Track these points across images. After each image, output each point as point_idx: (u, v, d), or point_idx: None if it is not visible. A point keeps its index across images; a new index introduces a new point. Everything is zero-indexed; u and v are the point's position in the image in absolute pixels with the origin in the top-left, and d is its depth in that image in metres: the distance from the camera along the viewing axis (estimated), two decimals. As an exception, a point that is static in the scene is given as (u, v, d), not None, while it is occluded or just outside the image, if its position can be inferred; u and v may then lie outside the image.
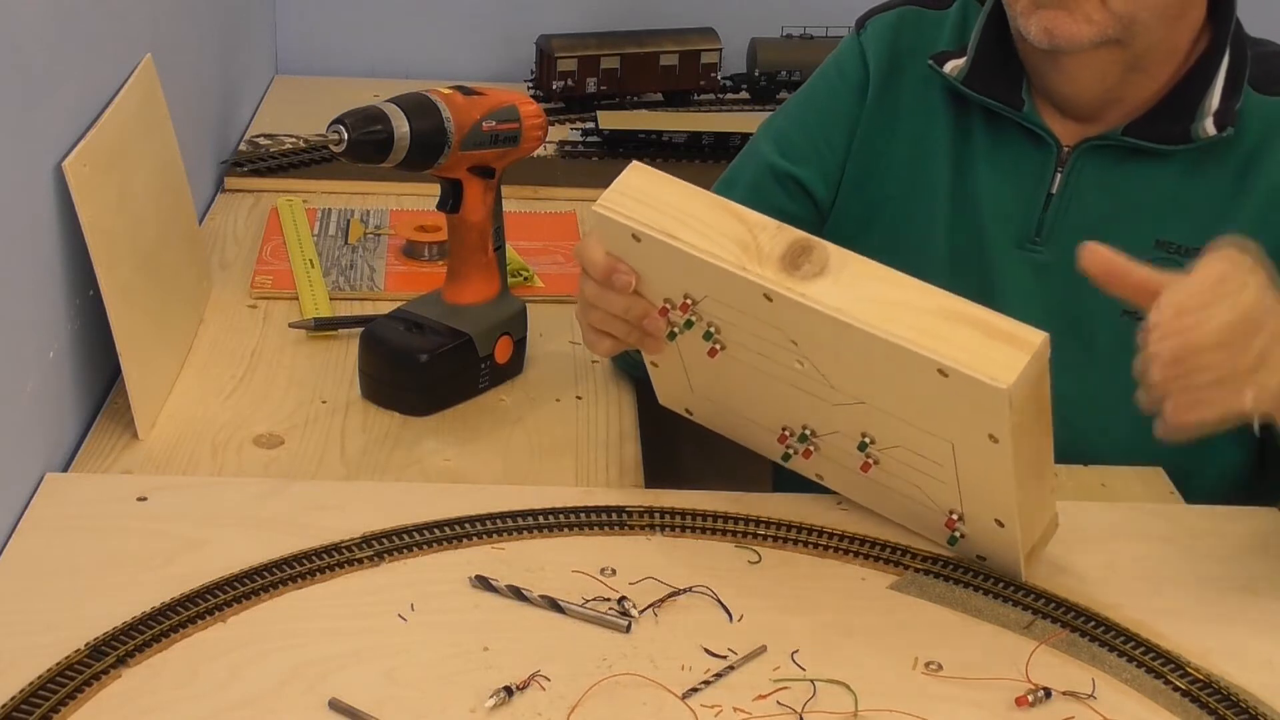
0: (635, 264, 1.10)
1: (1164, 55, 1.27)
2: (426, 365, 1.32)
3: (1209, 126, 1.25)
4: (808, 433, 1.12)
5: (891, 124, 1.37)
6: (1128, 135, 1.28)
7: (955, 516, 1.09)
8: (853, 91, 1.39)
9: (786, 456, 1.15)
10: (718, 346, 1.10)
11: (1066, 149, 1.30)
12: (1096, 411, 1.28)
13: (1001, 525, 1.07)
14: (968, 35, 1.35)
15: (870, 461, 1.09)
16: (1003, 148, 1.33)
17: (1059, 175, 1.30)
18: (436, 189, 1.35)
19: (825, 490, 1.19)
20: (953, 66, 1.33)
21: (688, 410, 1.21)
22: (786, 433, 1.14)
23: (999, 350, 0.97)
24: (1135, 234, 1.28)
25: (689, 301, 1.09)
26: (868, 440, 1.08)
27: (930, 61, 1.34)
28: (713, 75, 2.28)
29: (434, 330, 1.34)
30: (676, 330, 1.12)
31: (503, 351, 1.37)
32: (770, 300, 1.03)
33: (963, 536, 1.10)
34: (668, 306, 1.10)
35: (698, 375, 1.16)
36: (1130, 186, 1.29)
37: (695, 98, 2.30)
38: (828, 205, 1.39)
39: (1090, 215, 1.29)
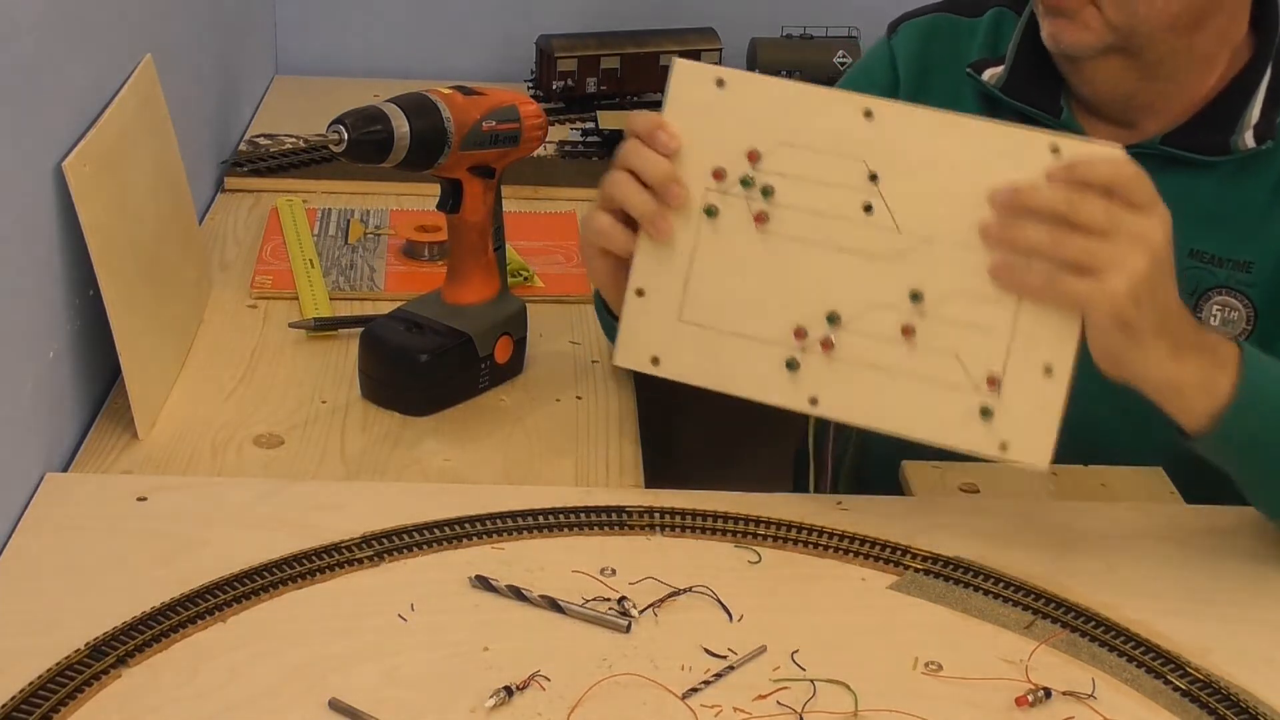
0: (705, 121, 1.11)
1: (1190, 64, 1.26)
2: (426, 365, 1.32)
3: (1249, 139, 1.25)
4: (835, 317, 1.11)
5: None
6: (1166, 145, 1.28)
7: (994, 379, 1.08)
8: (880, 94, 1.39)
9: (792, 364, 1.12)
10: (767, 213, 1.11)
11: None
12: (1117, 411, 1.28)
13: (1050, 373, 1.06)
14: (1001, 44, 1.36)
15: (912, 327, 1.09)
16: None
17: None
18: (436, 189, 1.35)
19: (825, 490, 1.19)
20: (990, 74, 1.34)
21: (654, 359, 1.16)
22: (801, 331, 1.12)
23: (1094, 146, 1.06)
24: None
25: (757, 152, 1.10)
26: (920, 294, 1.08)
27: (968, 69, 1.34)
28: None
29: (434, 330, 1.34)
30: (717, 206, 1.12)
31: (503, 351, 1.37)
32: (869, 116, 1.08)
33: (992, 415, 1.08)
34: (723, 170, 1.11)
35: (702, 280, 1.14)
36: (1167, 197, 1.28)
37: (695, 98, 2.30)
38: None
39: None
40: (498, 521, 1.14)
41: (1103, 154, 1.04)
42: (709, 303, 1.14)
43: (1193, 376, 1.05)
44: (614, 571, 1.09)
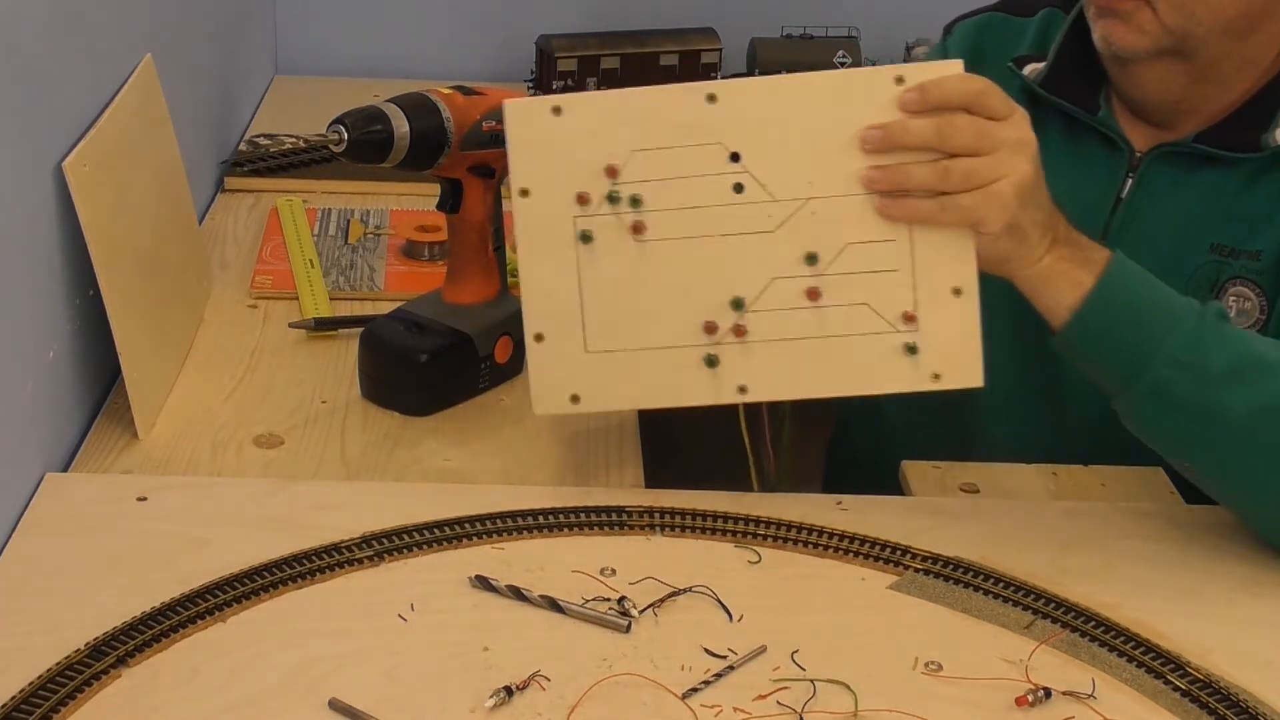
0: (553, 152, 1.10)
1: (1238, 68, 1.28)
2: (426, 365, 1.32)
3: (1278, 136, 1.26)
4: (740, 301, 1.11)
5: None
6: (1199, 143, 1.29)
7: (909, 315, 1.10)
8: None
9: (711, 360, 1.12)
10: (642, 222, 1.10)
11: (1139, 155, 1.32)
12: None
13: (959, 294, 1.09)
14: (1049, 43, 1.38)
15: (817, 289, 1.10)
16: (1077, 152, 1.35)
17: (1130, 180, 1.32)
18: (436, 189, 1.35)
19: (825, 490, 1.19)
20: (1032, 70, 1.36)
21: (574, 398, 1.15)
22: (710, 325, 1.12)
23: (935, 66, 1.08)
24: (1194, 237, 1.30)
25: (614, 166, 1.10)
26: (815, 256, 1.09)
27: (1010, 64, 1.37)
28: (713, 75, 2.28)
29: (434, 330, 1.34)
30: (589, 230, 1.11)
31: (503, 351, 1.37)
32: (713, 100, 1.08)
33: (917, 350, 1.10)
34: (586, 194, 1.10)
35: (598, 307, 1.13)
36: (1196, 192, 1.30)
37: (695, 98, 2.30)
38: None
39: (1156, 220, 1.31)
40: (498, 521, 1.14)
41: (948, 72, 1.07)
42: (611, 326, 1.13)
43: (1063, 267, 1.10)
44: (614, 571, 1.09)
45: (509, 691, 0.95)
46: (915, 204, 1.07)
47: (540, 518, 1.14)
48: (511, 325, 1.38)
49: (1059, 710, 0.97)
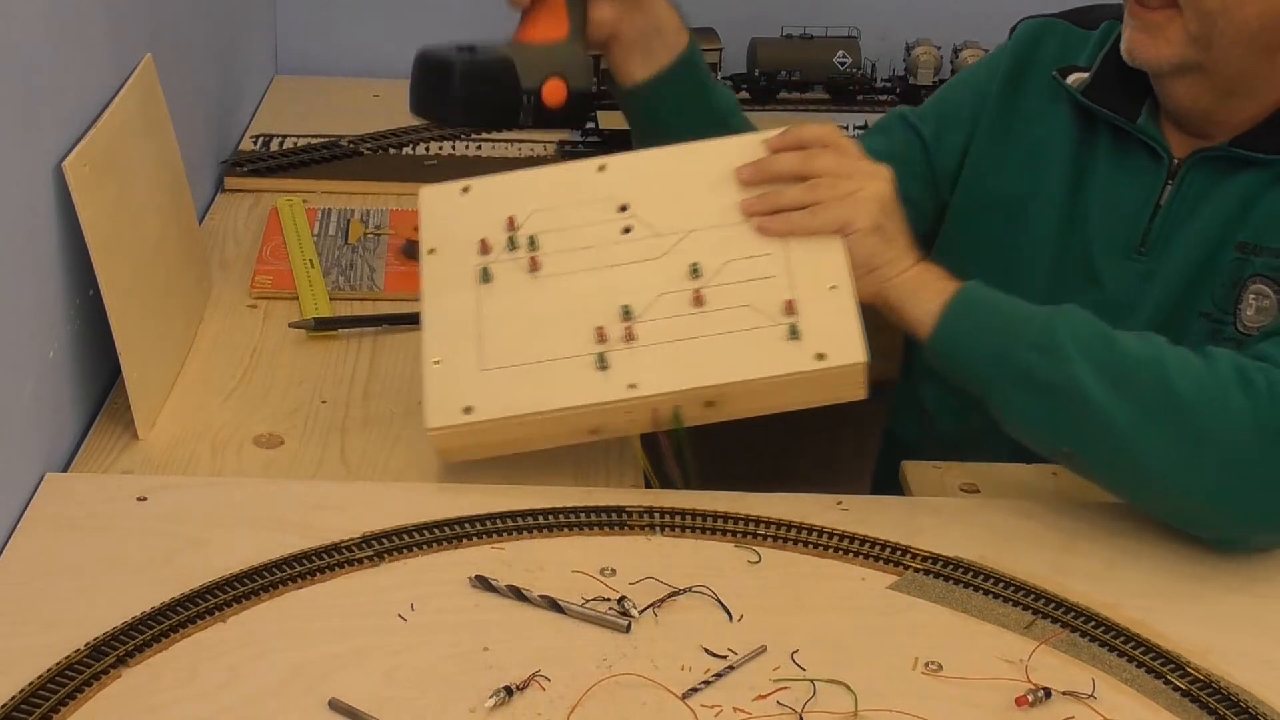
0: (460, 219, 1.25)
1: (1268, 84, 1.28)
2: (460, 73, 1.33)
3: None
4: (629, 311, 1.17)
5: (1013, 125, 1.43)
6: (1235, 147, 1.30)
7: (789, 306, 1.15)
8: (991, 74, 1.45)
9: (602, 363, 1.15)
10: (538, 259, 1.21)
11: (1178, 161, 1.32)
12: None
13: (835, 288, 1.16)
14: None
15: (701, 295, 1.17)
16: (1121, 160, 1.36)
17: (1169, 187, 1.32)
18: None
19: (825, 490, 1.19)
20: (1075, 79, 1.38)
21: (467, 409, 1.16)
22: (601, 332, 1.17)
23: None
24: (1225, 238, 1.30)
25: (514, 219, 1.23)
26: (698, 268, 1.18)
27: (1054, 73, 1.39)
28: (713, 75, 2.28)
29: (483, 51, 1.36)
30: (490, 269, 1.21)
31: (553, 94, 1.34)
32: (603, 170, 1.25)
33: (799, 333, 1.14)
34: (488, 242, 1.22)
35: (495, 332, 1.19)
36: (1231, 195, 1.31)
37: (695, 98, 2.29)
38: (937, 159, 1.46)
39: (1192, 224, 1.32)
40: (498, 521, 1.14)
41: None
42: (506, 347, 1.18)
43: (929, 277, 1.19)
44: (614, 571, 1.09)
45: (509, 691, 0.95)
46: (788, 217, 1.19)
47: (540, 518, 1.14)
48: (570, 71, 1.35)
49: (1059, 710, 0.98)
